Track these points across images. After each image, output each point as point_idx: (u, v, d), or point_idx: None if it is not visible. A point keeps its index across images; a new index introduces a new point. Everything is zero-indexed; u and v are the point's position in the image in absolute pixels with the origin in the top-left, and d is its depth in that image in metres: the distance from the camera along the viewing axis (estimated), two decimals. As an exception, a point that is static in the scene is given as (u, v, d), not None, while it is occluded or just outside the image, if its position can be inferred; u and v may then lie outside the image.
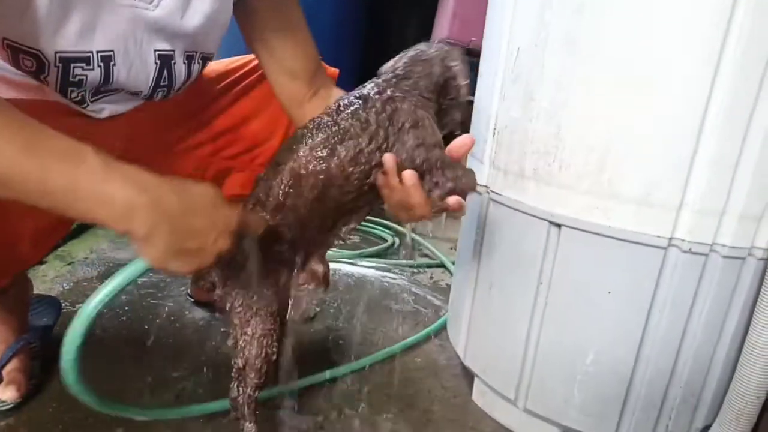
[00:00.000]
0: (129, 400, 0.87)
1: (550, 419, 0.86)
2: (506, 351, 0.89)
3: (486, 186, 0.91)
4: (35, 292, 1.05)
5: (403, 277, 1.57)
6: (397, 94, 0.70)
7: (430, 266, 1.68)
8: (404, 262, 1.67)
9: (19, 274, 0.90)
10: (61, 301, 1.14)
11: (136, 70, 0.74)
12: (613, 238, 0.75)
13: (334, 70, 1.01)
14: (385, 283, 1.51)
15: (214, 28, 0.80)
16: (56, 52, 0.65)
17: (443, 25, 1.95)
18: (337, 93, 0.87)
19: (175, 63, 0.78)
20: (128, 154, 0.64)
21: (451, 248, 1.84)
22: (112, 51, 0.70)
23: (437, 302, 1.41)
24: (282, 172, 0.67)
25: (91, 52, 0.68)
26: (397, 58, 0.76)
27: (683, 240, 0.72)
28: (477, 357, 0.97)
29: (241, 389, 0.74)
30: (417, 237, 1.85)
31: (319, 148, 0.66)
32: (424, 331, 1.19)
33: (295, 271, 0.75)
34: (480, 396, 0.98)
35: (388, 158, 0.66)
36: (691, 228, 0.72)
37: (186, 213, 0.56)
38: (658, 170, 0.72)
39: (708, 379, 0.79)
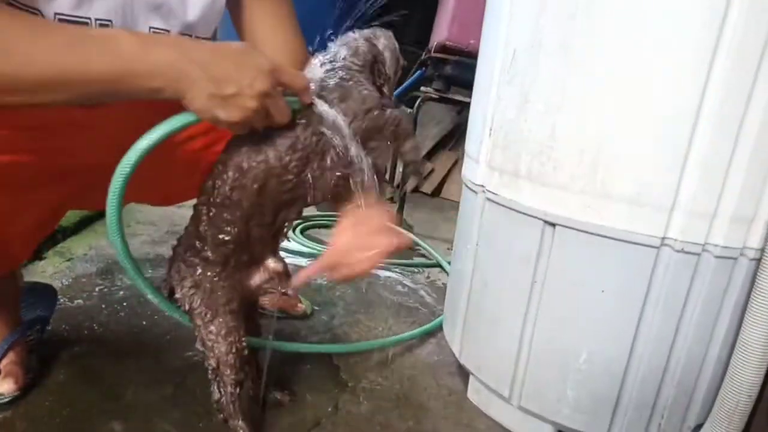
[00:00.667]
0: (129, 395, 0.88)
1: (543, 417, 0.87)
2: (500, 349, 0.90)
3: (482, 185, 0.92)
4: (33, 283, 1.06)
5: (400, 275, 1.58)
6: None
7: (426, 266, 1.69)
8: (402, 261, 1.68)
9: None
10: (60, 296, 1.15)
11: None
12: (606, 237, 0.76)
13: None
14: (383, 282, 1.51)
15: (211, 15, 0.81)
16: (55, 14, 0.66)
17: (442, 27, 1.97)
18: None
19: None
20: (123, 143, 0.65)
21: (448, 248, 1.85)
22: (110, 21, 0.70)
23: (432, 301, 1.42)
24: (228, 167, 0.70)
25: (89, 18, 0.69)
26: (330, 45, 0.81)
27: (676, 240, 0.73)
28: (472, 355, 0.98)
29: (221, 389, 0.75)
30: (415, 237, 1.85)
31: (258, 141, 0.69)
32: (419, 330, 1.20)
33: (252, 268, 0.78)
34: (475, 393, 0.99)
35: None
36: (684, 228, 0.73)
37: (219, 61, 0.62)
38: (650, 171, 0.73)
39: (700, 377, 0.80)
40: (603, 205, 0.76)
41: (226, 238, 0.72)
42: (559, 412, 0.85)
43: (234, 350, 0.74)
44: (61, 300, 1.14)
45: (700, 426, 0.82)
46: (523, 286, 0.85)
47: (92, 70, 0.58)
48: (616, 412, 0.82)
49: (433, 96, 1.98)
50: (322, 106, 0.72)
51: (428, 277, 1.61)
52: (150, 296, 0.77)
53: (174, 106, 0.64)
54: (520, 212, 0.83)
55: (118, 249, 0.71)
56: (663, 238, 0.74)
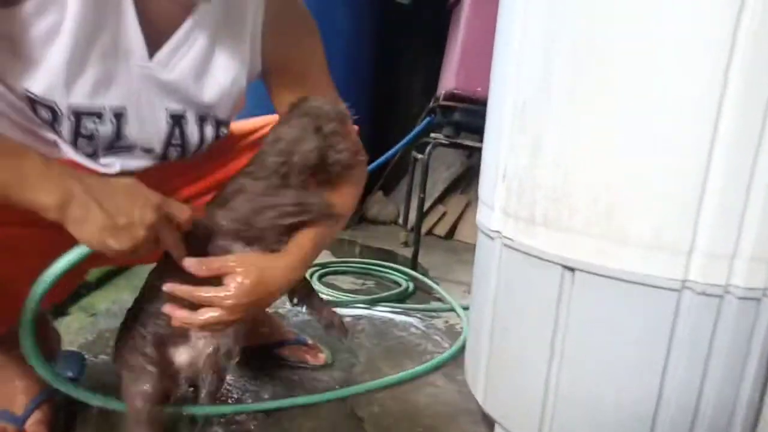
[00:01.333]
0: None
1: (573, 465, 0.85)
2: (526, 396, 0.89)
3: (498, 231, 0.93)
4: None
5: (418, 320, 1.57)
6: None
7: (442, 310, 1.69)
8: (418, 306, 1.68)
9: (42, 322, 0.92)
10: (85, 352, 1.16)
11: (148, 127, 0.78)
12: (626, 281, 0.76)
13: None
14: (401, 327, 1.51)
15: (228, 99, 0.85)
16: (69, 105, 0.70)
17: (449, 75, 2.03)
18: None
19: (186, 123, 0.82)
20: None
21: (465, 291, 1.85)
22: (124, 107, 0.74)
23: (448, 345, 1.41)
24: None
25: (104, 107, 0.73)
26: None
27: (696, 282, 0.73)
28: (496, 403, 0.97)
29: None
30: (429, 281, 1.86)
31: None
32: (431, 363, 1.20)
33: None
34: (501, 442, 0.97)
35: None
36: (704, 270, 0.73)
37: (113, 195, 0.66)
38: (666, 215, 0.74)
39: (733, 420, 0.78)
40: (620, 249, 0.77)
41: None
42: (589, 459, 0.84)
43: (146, 415, 0.80)
44: (87, 356, 1.15)
45: (735, 471, 0.80)
46: (545, 331, 0.85)
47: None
48: (647, 458, 0.80)
49: (443, 142, 2.02)
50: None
51: (446, 322, 1.60)
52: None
53: (177, 164, 0.70)
54: (538, 257, 0.84)
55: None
56: (684, 281, 0.74)
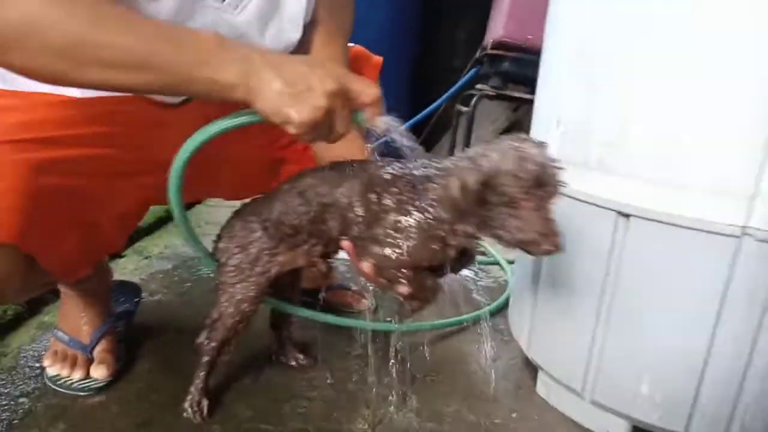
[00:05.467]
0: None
1: (618, 411, 0.86)
2: (572, 344, 0.89)
3: (550, 178, 0.92)
4: (120, 281, 1.13)
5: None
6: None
7: (485, 263, 1.68)
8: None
9: (100, 262, 0.97)
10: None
11: None
12: (683, 227, 0.74)
13: (378, 59, 1.04)
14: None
15: (287, 50, 0.85)
16: None
17: (498, 24, 1.96)
18: (359, 141, 0.88)
19: None
20: None
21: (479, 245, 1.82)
22: None
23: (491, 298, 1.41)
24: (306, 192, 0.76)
25: None
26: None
27: (758, 229, 0.71)
28: (541, 350, 0.97)
29: (207, 339, 0.81)
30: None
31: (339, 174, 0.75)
32: (479, 311, 1.22)
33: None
34: (544, 388, 0.98)
35: (346, 245, 0.75)
36: (766, 217, 0.70)
37: (292, 63, 0.64)
38: (730, 158, 0.71)
39: (786, 372, 0.77)
40: (680, 195, 0.74)
41: (289, 225, 0.76)
42: (634, 407, 0.84)
43: (239, 317, 0.79)
44: (143, 295, 1.21)
45: (787, 423, 0.79)
46: (595, 279, 0.84)
47: (174, 53, 0.61)
48: (695, 407, 0.79)
49: (490, 93, 1.97)
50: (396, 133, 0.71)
51: (489, 275, 1.60)
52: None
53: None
54: (592, 204, 0.83)
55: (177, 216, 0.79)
56: (744, 227, 0.71)
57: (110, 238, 0.88)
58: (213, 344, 0.81)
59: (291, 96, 0.62)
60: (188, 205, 1.91)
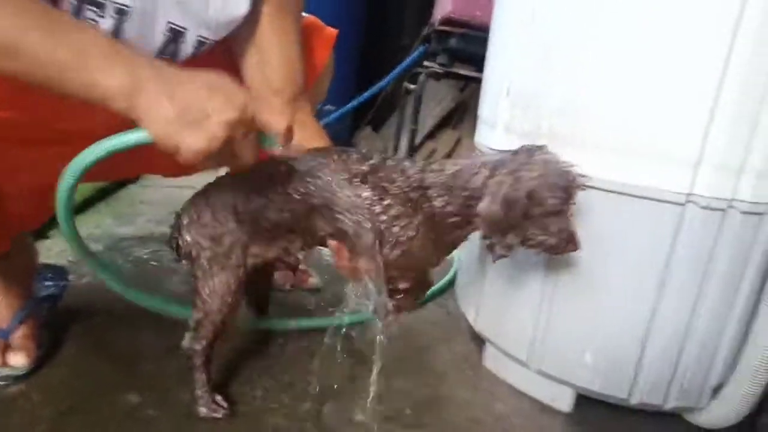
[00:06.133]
0: (145, 367, 0.87)
1: (563, 380, 0.86)
2: (518, 314, 0.89)
3: (498, 149, 0.90)
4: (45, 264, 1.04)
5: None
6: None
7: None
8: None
9: (21, 239, 0.89)
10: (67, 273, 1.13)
11: (145, 34, 0.72)
12: (629, 195, 0.75)
13: (332, 32, 0.99)
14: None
15: (229, 20, 0.78)
16: None
17: (445, 0, 1.94)
18: (311, 123, 0.85)
19: (183, 42, 0.76)
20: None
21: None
22: (128, 7, 0.68)
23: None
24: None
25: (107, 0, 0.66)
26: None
27: (702, 196, 0.72)
28: (488, 323, 0.97)
29: (196, 341, 0.76)
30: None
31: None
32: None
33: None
34: (491, 360, 0.98)
35: (334, 244, 0.72)
36: (710, 184, 0.72)
37: (189, 83, 0.56)
38: (675, 126, 0.71)
39: (723, 336, 0.79)
40: (627, 162, 0.75)
41: (270, 220, 0.72)
42: (579, 375, 0.84)
43: (226, 310, 0.74)
44: (69, 278, 1.12)
45: (722, 385, 0.82)
46: (542, 249, 0.84)
47: (51, 46, 0.53)
48: (637, 373, 0.81)
49: (438, 71, 1.96)
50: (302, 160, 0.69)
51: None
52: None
53: None
54: (540, 173, 0.82)
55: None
56: (688, 194, 0.72)
57: (24, 211, 0.80)
58: (203, 343, 0.75)
59: (183, 124, 0.55)
60: (121, 184, 1.82)
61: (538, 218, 0.67)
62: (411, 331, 1.08)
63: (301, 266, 1.24)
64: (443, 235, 0.71)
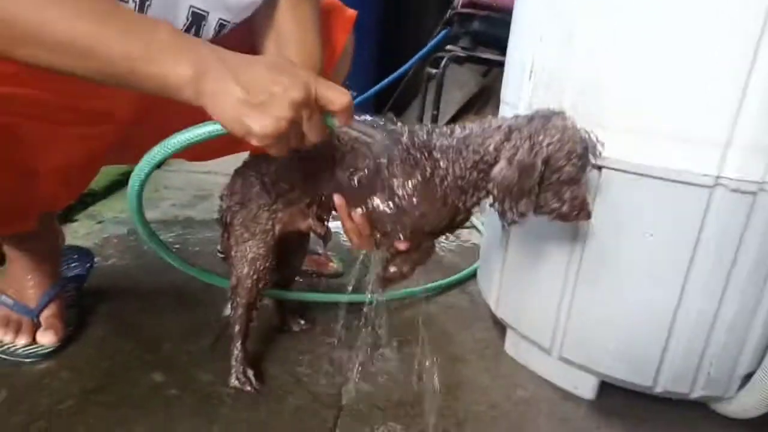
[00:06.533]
0: (167, 348, 0.89)
1: (586, 367, 0.85)
2: (541, 300, 0.88)
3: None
4: (71, 246, 1.06)
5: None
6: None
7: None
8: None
9: (47, 221, 0.91)
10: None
11: (167, 18, 0.71)
12: (655, 177, 0.73)
13: (352, 13, 0.98)
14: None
15: (254, 5, 0.78)
16: None
17: (469, -19, 1.90)
18: None
19: (205, 25, 0.76)
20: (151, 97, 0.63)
21: (476, 210, 1.81)
22: None
23: (460, 261, 1.39)
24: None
25: None
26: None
27: (731, 179, 0.69)
28: (510, 308, 0.96)
29: (234, 308, 0.79)
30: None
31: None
32: (450, 279, 1.21)
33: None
34: (513, 347, 0.97)
35: (337, 199, 0.72)
36: (740, 166, 0.69)
37: (252, 67, 0.57)
38: (704, 106, 0.69)
39: (753, 323, 0.77)
40: (652, 144, 0.72)
41: (287, 184, 0.75)
42: (602, 362, 0.83)
43: (255, 276, 0.77)
44: (96, 260, 1.15)
45: (751, 374, 0.79)
46: (565, 234, 0.82)
47: (121, 43, 0.54)
48: (663, 360, 0.79)
49: (461, 54, 1.93)
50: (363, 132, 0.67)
51: (459, 237, 1.58)
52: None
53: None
54: (563, 156, 0.80)
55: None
56: (717, 177, 0.70)
57: (51, 190, 0.81)
58: (240, 311, 0.79)
59: (251, 106, 0.55)
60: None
61: (553, 185, 0.66)
62: (433, 317, 1.08)
63: (320, 251, 1.25)
64: (447, 197, 0.70)
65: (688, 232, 0.73)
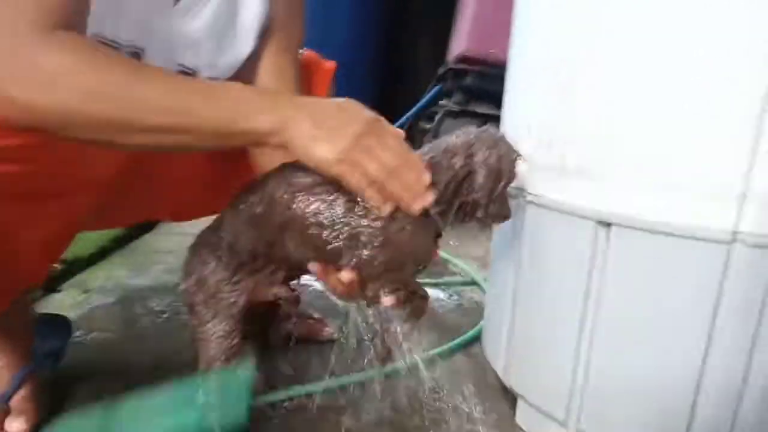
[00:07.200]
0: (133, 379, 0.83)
1: (606, 441, 0.78)
2: (553, 368, 0.82)
3: (521, 188, 0.85)
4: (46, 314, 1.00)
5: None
6: None
7: (460, 284, 1.60)
8: (433, 280, 1.59)
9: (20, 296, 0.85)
10: (77, 329, 1.09)
11: None
12: (669, 234, 0.68)
13: (330, 64, 0.99)
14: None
15: (239, 62, 0.81)
16: (92, 34, 0.65)
17: (461, 37, 1.93)
18: None
19: None
20: (135, 155, 0.63)
21: (478, 266, 1.77)
22: (143, 49, 0.70)
23: (462, 321, 1.33)
24: (264, 194, 0.68)
25: (123, 40, 0.68)
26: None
27: (749, 233, 0.65)
28: (519, 376, 0.89)
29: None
30: (445, 254, 1.78)
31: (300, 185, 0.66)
32: (456, 341, 1.14)
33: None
34: (525, 418, 0.90)
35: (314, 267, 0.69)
36: (758, 219, 0.65)
37: (325, 106, 0.64)
38: (717, 157, 0.65)
39: (786, 388, 0.71)
40: (665, 199, 0.68)
41: (246, 255, 0.70)
42: (624, 434, 0.76)
43: (224, 357, 0.72)
44: (78, 333, 1.09)
45: (788, 444, 0.73)
46: (576, 295, 0.77)
47: (210, 114, 0.59)
48: (689, 429, 0.73)
49: (454, 109, 1.93)
50: None
51: (454, 296, 1.52)
52: None
53: None
54: (568, 213, 0.76)
55: None
56: (734, 233, 0.66)
57: (30, 268, 0.77)
58: None
59: (320, 138, 0.61)
60: (137, 233, 1.80)
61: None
62: (436, 386, 1.01)
63: (315, 315, 1.19)
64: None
65: (708, 292, 0.68)
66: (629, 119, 0.70)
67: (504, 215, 0.72)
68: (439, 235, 0.73)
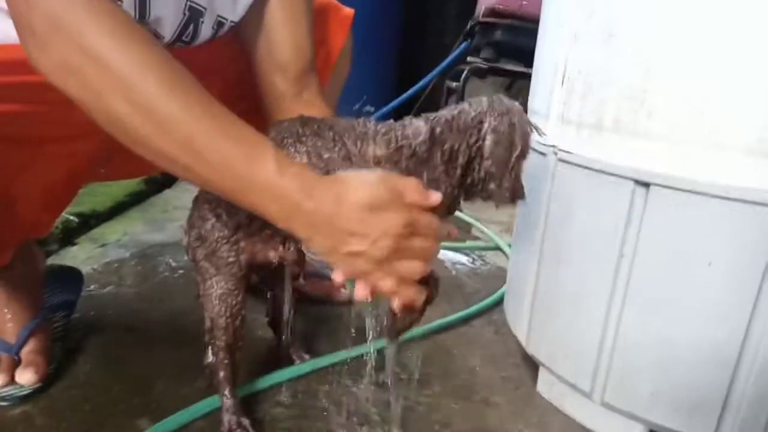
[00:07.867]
0: (159, 388, 0.80)
1: (633, 415, 0.73)
2: (580, 336, 0.77)
3: (552, 145, 0.79)
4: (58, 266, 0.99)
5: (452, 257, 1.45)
6: None
7: (483, 249, 1.56)
8: (455, 244, 1.54)
9: (26, 247, 0.84)
10: (90, 283, 1.08)
11: (166, 13, 0.66)
12: (715, 196, 0.62)
13: (349, 11, 0.91)
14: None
15: (250, 2, 0.74)
16: None
17: (490, -10, 1.82)
18: (319, 104, 0.77)
19: (203, 22, 0.71)
20: None
21: (501, 231, 1.71)
22: None
23: (482, 287, 1.29)
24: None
25: None
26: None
27: (806, 196, 0.59)
28: (542, 344, 0.85)
29: (212, 354, 0.71)
30: (468, 218, 1.72)
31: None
32: (470, 309, 1.10)
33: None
34: (546, 387, 0.86)
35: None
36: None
37: (347, 216, 0.54)
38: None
39: (835, 367, 0.65)
40: (712, 157, 0.62)
41: (245, 216, 0.67)
42: (653, 409, 0.72)
43: (228, 314, 0.69)
44: (92, 287, 1.08)
45: (834, 426, 0.67)
46: (607, 260, 0.72)
47: (224, 184, 0.55)
48: (726, 407, 0.68)
49: (482, 66, 1.84)
50: None
51: (478, 260, 1.47)
52: None
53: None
54: (604, 172, 0.70)
55: None
56: (789, 195, 0.59)
57: (33, 217, 0.75)
58: (221, 355, 0.71)
59: (342, 257, 0.55)
60: (156, 189, 1.79)
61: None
62: (452, 352, 0.98)
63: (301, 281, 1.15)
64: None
65: (755, 259, 0.62)
66: (673, 68, 0.63)
67: (517, 193, 0.65)
68: (451, 212, 0.68)
